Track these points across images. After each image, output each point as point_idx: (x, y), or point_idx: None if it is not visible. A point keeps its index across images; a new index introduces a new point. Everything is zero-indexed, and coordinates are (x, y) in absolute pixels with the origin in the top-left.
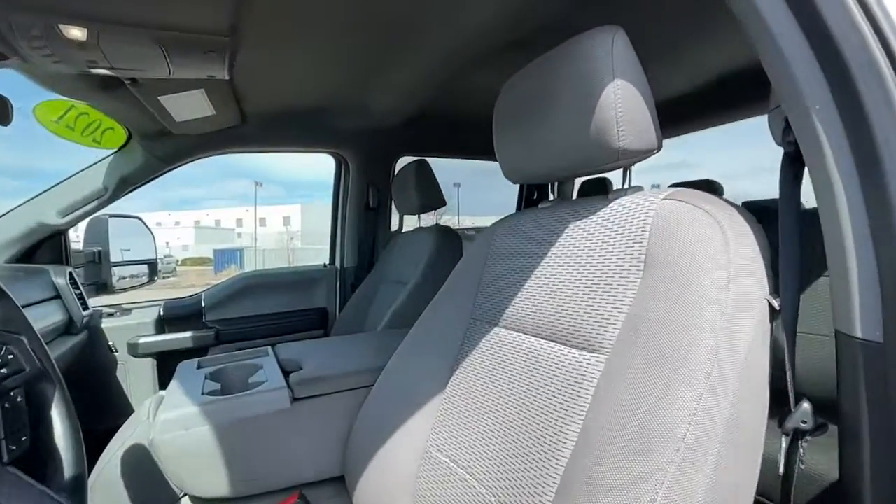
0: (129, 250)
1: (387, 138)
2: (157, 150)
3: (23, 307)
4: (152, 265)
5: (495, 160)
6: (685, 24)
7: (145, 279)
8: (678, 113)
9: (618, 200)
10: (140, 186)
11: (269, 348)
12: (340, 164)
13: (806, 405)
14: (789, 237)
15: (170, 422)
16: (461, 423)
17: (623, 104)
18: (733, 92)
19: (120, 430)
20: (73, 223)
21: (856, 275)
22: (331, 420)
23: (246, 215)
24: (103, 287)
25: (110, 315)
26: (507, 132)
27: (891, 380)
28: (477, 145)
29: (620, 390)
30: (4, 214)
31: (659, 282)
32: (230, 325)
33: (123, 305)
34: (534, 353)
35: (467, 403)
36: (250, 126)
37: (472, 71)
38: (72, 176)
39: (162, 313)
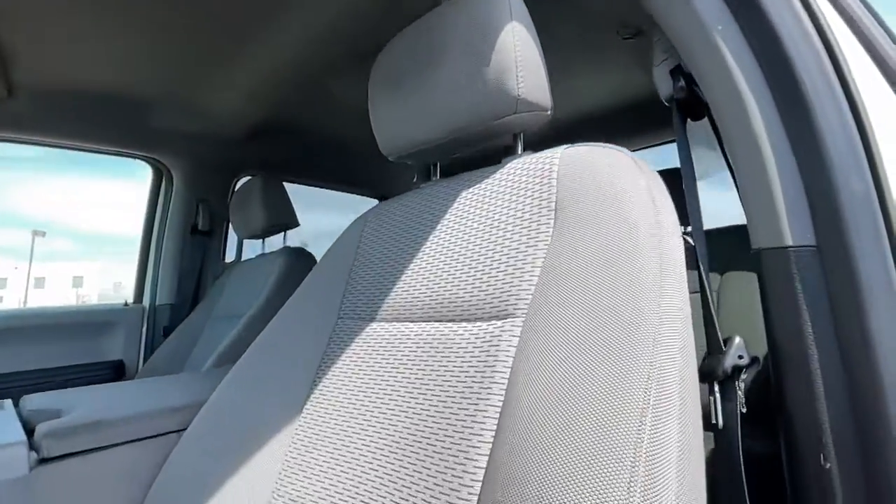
0: None
1: (225, 149)
2: None
3: None
4: None
5: (357, 192)
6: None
7: None
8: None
9: (512, 163)
10: None
11: (9, 401)
12: (160, 175)
13: (738, 338)
14: (689, 175)
15: None
16: (325, 457)
17: (522, 47)
18: (626, 119)
19: None
20: None
21: (779, 184)
22: (110, 487)
23: (14, 273)
24: None
25: None
26: (384, 101)
27: (832, 278)
28: (337, 172)
29: (546, 357)
30: None
31: (576, 225)
32: None
33: None
34: (426, 341)
35: (335, 426)
36: (21, 102)
37: (330, 81)
38: None
39: None
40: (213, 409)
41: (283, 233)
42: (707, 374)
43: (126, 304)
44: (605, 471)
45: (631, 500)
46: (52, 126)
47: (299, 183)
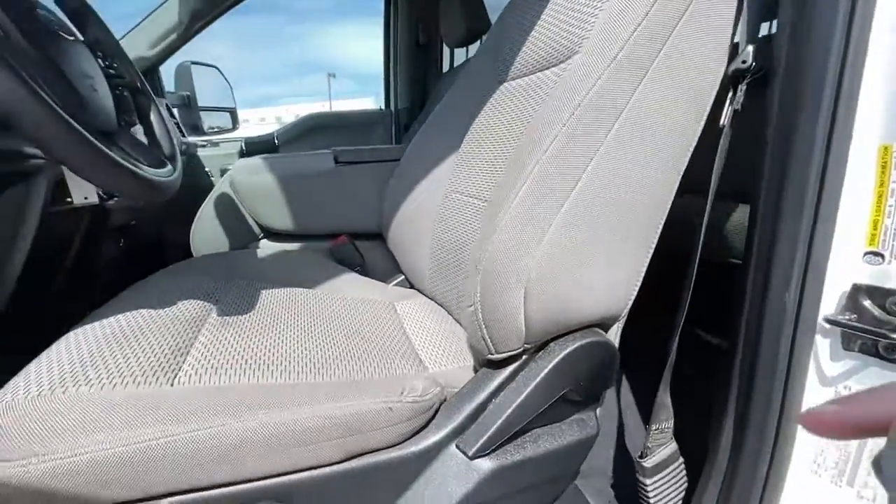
0: (211, 97)
1: None
2: None
3: None
4: (233, 113)
5: None
6: None
7: (230, 125)
8: None
9: None
10: (209, 23)
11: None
12: (388, 2)
13: (750, 47)
14: None
15: (245, 168)
16: (473, 163)
17: None
18: None
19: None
20: (161, 56)
21: None
22: (368, 183)
23: (322, 109)
24: (195, 129)
25: (203, 146)
26: None
27: None
28: None
29: None
30: None
31: None
32: None
33: (213, 139)
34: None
35: (479, 147)
36: None
37: None
38: (150, 14)
39: (244, 147)
40: (414, 143)
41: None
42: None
43: (380, 109)
44: None
45: None
46: None
47: None
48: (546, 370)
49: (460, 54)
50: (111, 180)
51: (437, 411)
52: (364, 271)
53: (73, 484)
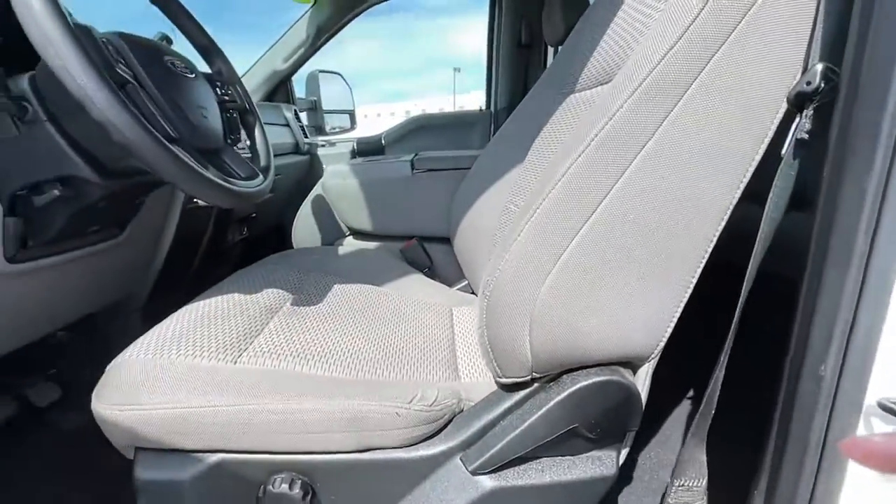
0: (334, 101)
1: None
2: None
3: (266, 124)
4: (352, 114)
5: None
6: None
7: (348, 126)
8: None
9: None
10: (332, 35)
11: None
12: (494, 2)
13: (819, 66)
14: None
15: (334, 172)
16: (533, 178)
17: None
18: None
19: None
20: (293, 69)
21: None
22: (441, 191)
23: (447, 104)
24: (319, 130)
25: (322, 146)
26: None
27: None
28: None
29: None
30: (251, 67)
31: None
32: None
33: (330, 139)
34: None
35: (539, 162)
36: None
37: None
38: (286, 32)
39: (355, 147)
40: (482, 155)
41: None
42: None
43: (480, 110)
44: None
45: None
46: None
47: None
48: (551, 403)
49: None
50: (209, 195)
51: (449, 421)
52: (432, 273)
53: (149, 430)
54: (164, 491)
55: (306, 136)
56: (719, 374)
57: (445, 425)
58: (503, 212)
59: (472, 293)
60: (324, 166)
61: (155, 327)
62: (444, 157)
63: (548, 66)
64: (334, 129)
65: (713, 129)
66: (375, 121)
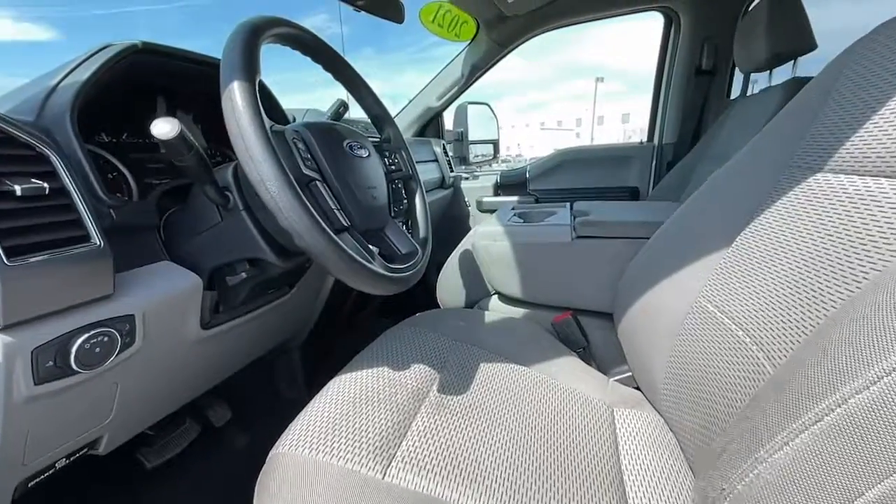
0: (480, 131)
1: None
2: (495, 34)
3: (418, 162)
4: (496, 144)
5: None
6: None
7: (490, 157)
8: None
9: None
10: (485, 71)
11: (569, 203)
12: (670, 22)
13: None
14: None
15: (485, 234)
16: (741, 277)
17: None
18: None
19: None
20: (445, 106)
21: None
22: (606, 260)
23: (585, 114)
24: (463, 160)
25: (466, 178)
26: None
27: None
28: None
29: None
30: (406, 105)
31: None
32: (548, 194)
33: (475, 173)
34: (859, 196)
35: (754, 257)
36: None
37: None
38: (441, 71)
39: (498, 180)
40: (667, 227)
41: (792, 62)
42: None
43: (641, 143)
44: None
45: None
46: (587, 6)
47: None
48: None
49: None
50: (372, 287)
51: None
52: (587, 354)
53: None
54: None
55: (452, 171)
56: None
57: None
58: (693, 308)
59: (635, 387)
60: (465, 199)
61: (305, 409)
62: (613, 223)
63: (730, 94)
64: (477, 156)
65: None
66: (510, 132)
